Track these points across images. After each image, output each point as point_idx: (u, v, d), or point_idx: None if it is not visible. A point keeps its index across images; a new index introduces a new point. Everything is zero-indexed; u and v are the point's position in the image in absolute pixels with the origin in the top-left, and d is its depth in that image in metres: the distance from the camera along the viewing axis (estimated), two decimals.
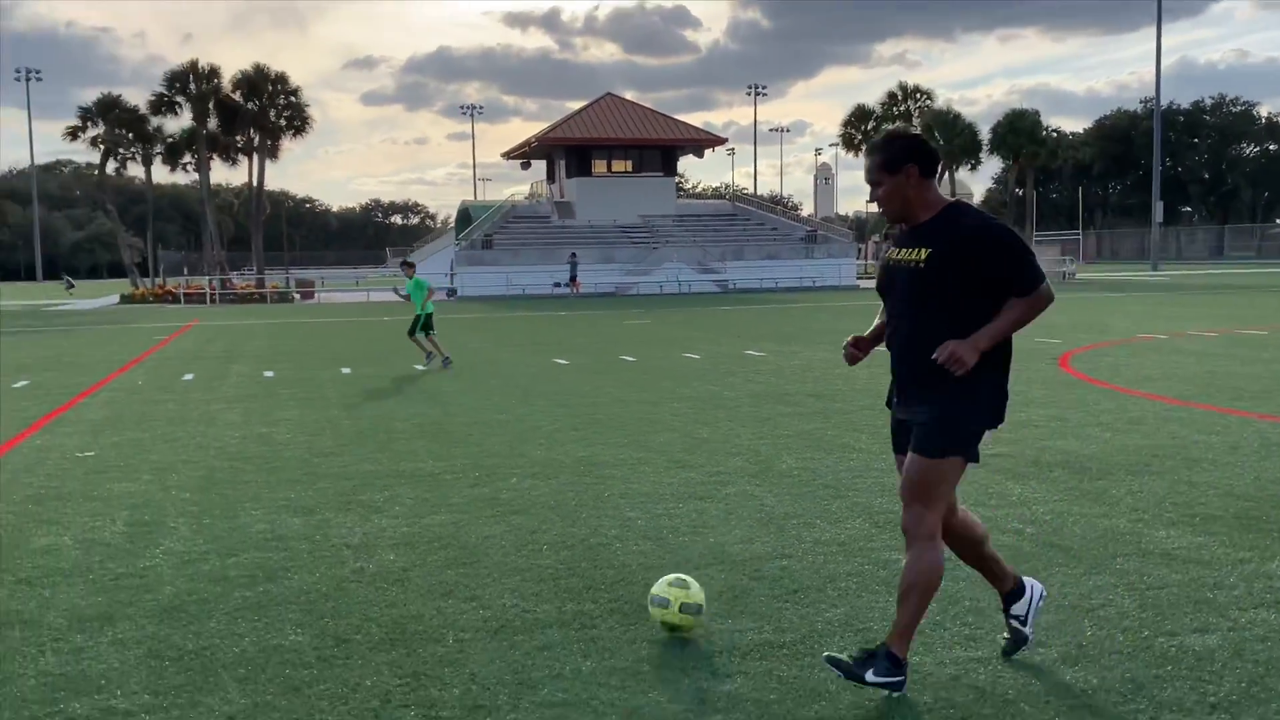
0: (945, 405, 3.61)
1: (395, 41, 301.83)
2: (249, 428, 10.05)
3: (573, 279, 43.96)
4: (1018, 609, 3.99)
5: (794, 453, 8.16)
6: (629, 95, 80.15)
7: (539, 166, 62.97)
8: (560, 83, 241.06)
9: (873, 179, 3.73)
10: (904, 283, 3.70)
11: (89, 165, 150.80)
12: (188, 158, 53.15)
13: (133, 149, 50.71)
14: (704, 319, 26.75)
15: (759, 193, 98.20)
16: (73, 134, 48.62)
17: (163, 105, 49.00)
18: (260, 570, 5.33)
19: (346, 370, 15.38)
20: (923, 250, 3.63)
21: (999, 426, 3.74)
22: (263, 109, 50.14)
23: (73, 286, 62.67)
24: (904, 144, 3.74)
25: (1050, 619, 4.34)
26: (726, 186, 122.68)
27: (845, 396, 11.20)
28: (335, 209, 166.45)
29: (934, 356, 3.53)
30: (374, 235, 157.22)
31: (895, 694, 3.64)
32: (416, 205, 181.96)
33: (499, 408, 11.12)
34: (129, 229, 56.94)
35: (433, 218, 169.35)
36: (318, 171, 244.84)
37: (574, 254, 45.30)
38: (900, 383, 3.80)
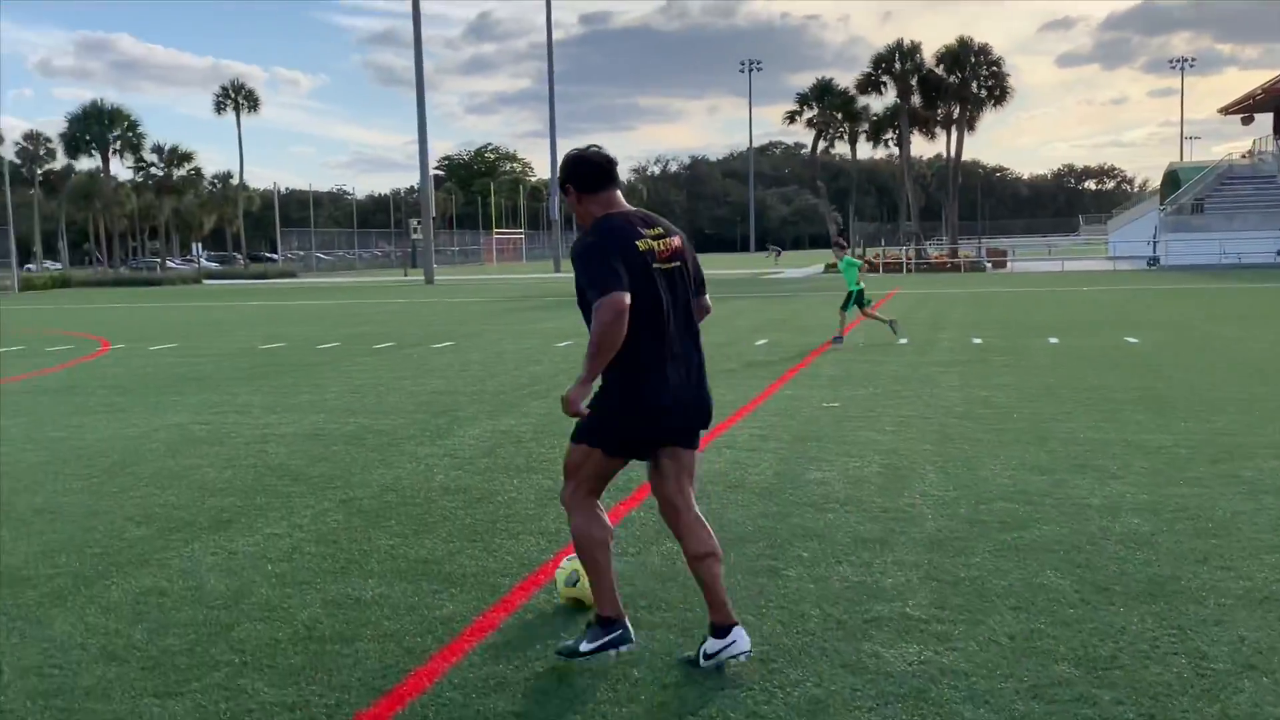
0: (597, 399, 3.87)
1: None
2: (969, 390, 10.64)
3: None
4: (710, 647, 3.94)
5: None
6: None
7: (1262, 121, 56.25)
8: None
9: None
10: None
11: (797, 145, 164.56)
12: (888, 134, 55.88)
13: (840, 128, 54.55)
14: None
15: None
16: (791, 117, 53.81)
17: (869, 85, 52.12)
18: (1010, 518, 5.80)
19: (1054, 340, 15.45)
20: None
21: (614, 441, 3.90)
22: (963, 81, 51.04)
23: (780, 255, 69.12)
24: (563, 164, 4.01)
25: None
26: None
27: None
28: (1025, 176, 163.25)
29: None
30: (1065, 202, 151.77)
31: (625, 648, 3.95)
32: (1113, 169, 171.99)
33: (1222, 385, 10.50)
34: (830, 204, 61.33)
35: (1129, 182, 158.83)
36: (1006, 139, 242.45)
37: None
38: None
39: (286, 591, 4.95)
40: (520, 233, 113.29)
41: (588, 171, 3.96)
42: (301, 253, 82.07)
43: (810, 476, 6.97)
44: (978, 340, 15.78)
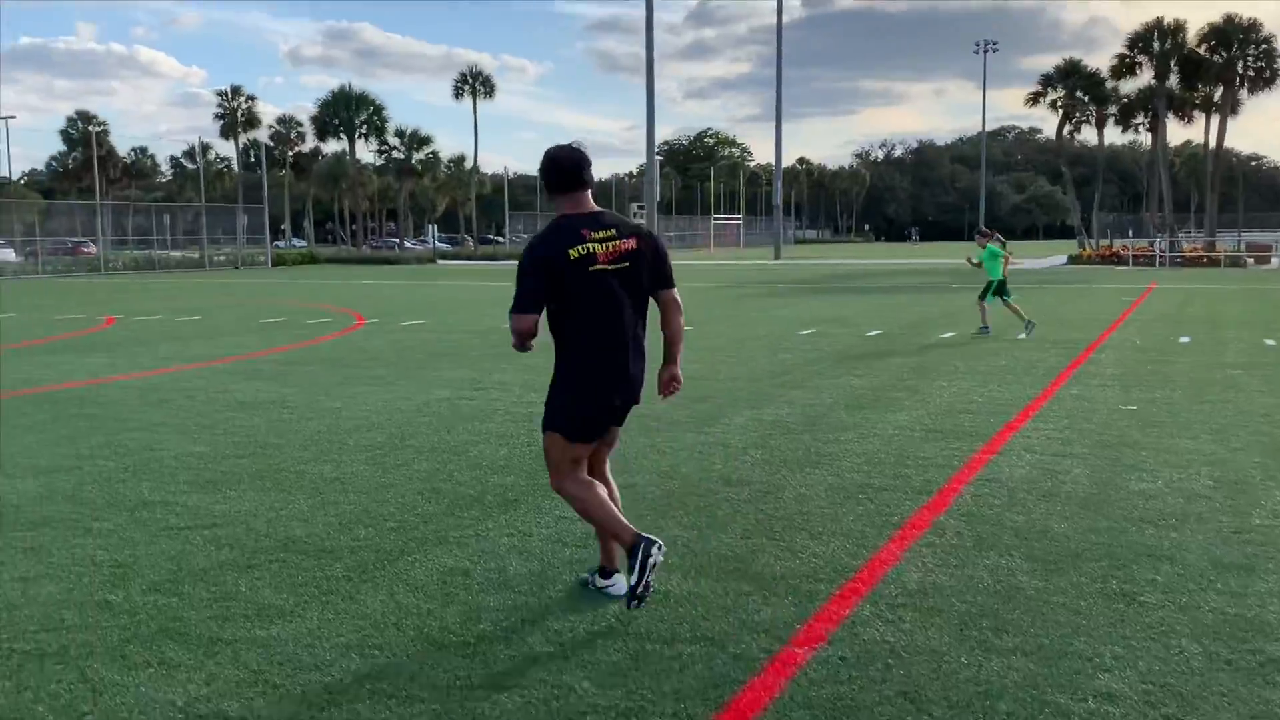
0: (553, 390, 4.34)
1: None
2: (1276, 395, 9.56)
3: None
4: (602, 581, 4.54)
5: None
6: None
7: None
8: None
9: None
10: None
11: (1031, 130, 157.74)
12: (1139, 118, 52.37)
13: (1087, 111, 51.49)
14: None
15: None
16: (1033, 99, 51.11)
17: (1123, 66, 48.90)
18: None
19: None
20: None
21: (580, 430, 4.26)
22: (1229, 61, 47.18)
23: (917, 242, 65.77)
24: (541, 160, 4.24)
25: None
26: None
27: None
28: None
29: None
30: None
31: (657, 555, 4.11)
32: None
33: None
34: (1066, 191, 58.07)
35: None
36: (1262, 125, 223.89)
37: None
38: None
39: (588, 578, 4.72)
40: (738, 218, 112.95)
41: (552, 173, 4.23)
42: (525, 235, 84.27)
43: (1134, 488, 6.27)
44: (1270, 341, 14.31)
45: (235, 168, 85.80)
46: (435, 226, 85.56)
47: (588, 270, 4.12)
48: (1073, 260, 46.41)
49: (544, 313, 4.20)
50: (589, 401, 4.28)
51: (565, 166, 4.22)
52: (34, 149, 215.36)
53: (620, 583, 4.47)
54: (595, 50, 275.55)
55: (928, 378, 10.97)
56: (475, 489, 6.40)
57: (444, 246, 77.71)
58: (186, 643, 4.07)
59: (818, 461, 7.06)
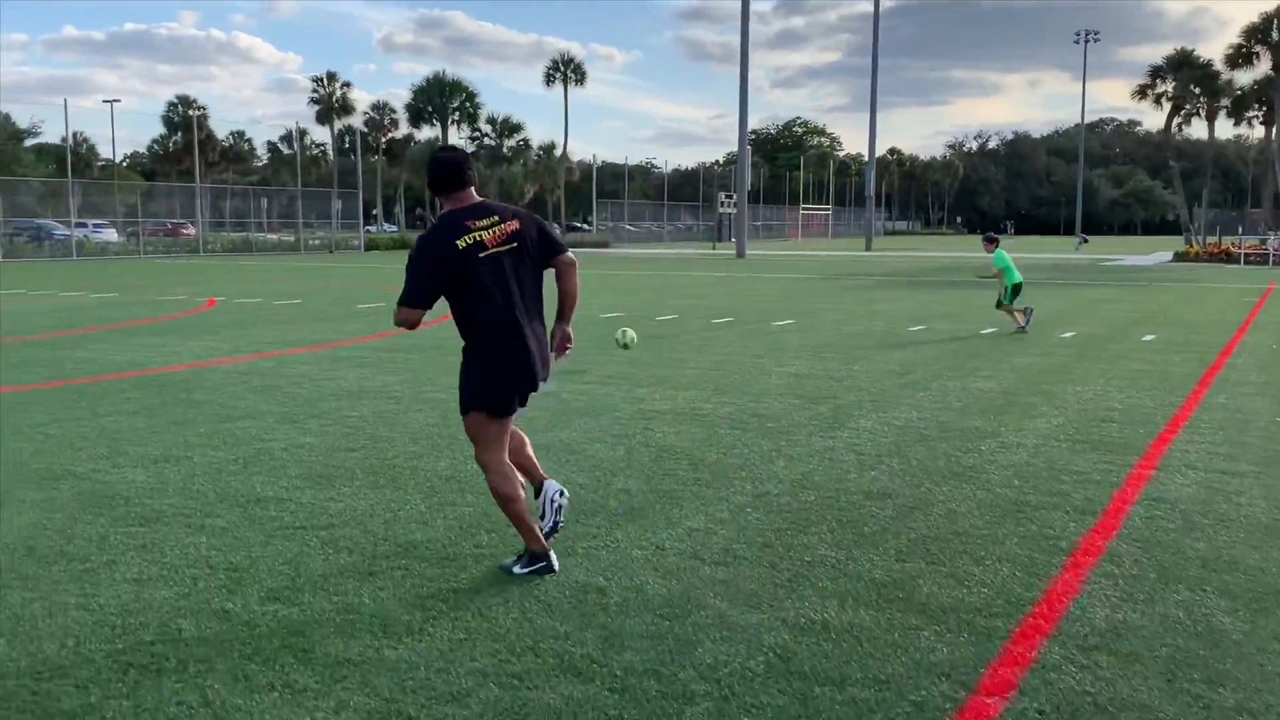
0: (464, 370, 4.66)
1: None
2: None
3: None
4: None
5: None
6: None
7: None
8: None
9: None
10: None
11: (1130, 123, 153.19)
12: (1253, 110, 50.27)
13: (1198, 104, 49.54)
14: None
15: None
16: (1141, 91, 49.44)
17: (1239, 57, 46.91)
18: None
19: None
20: None
21: (497, 403, 4.56)
22: None
23: (1085, 242, 64.04)
24: (427, 166, 4.70)
25: None
26: None
27: None
28: None
29: None
30: None
31: (549, 574, 4.58)
32: None
33: None
34: (1167, 186, 56.01)
35: None
36: None
37: None
38: None
39: (735, 603, 4.33)
40: (827, 208, 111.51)
41: (436, 174, 4.59)
42: (610, 224, 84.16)
43: None
44: None
45: (330, 153, 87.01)
46: None
47: (479, 256, 4.45)
48: (1179, 257, 44.66)
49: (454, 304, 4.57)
50: (502, 377, 4.56)
51: (448, 168, 4.58)
52: (137, 132, 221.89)
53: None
54: (683, 38, 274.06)
55: (1058, 381, 10.35)
56: (597, 493, 6.04)
57: None
58: (311, 662, 3.76)
59: (962, 473, 6.56)
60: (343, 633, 4.02)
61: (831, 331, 15.16)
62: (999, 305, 15.30)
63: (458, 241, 4.43)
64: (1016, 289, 15.08)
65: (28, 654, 3.83)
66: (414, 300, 4.46)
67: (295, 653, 3.84)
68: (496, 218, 4.55)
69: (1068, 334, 14.84)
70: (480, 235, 4.47)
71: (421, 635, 4.00)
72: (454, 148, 4.75)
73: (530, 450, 4.93)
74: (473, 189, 4.60)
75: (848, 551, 5.02)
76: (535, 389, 4.66)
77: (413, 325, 4.52)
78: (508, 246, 4.53)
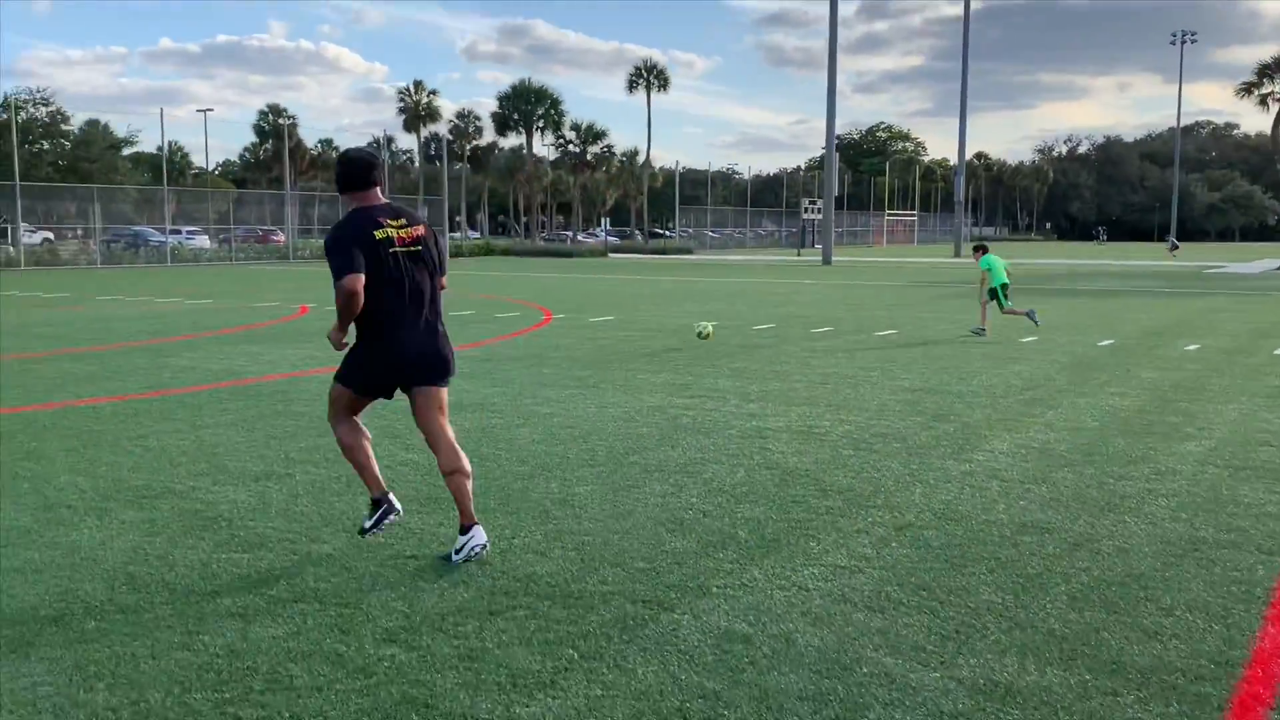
0: (351, 351, 4.90)
1: None
2: None
3: None
4: (457, 544, 4.96)
5: None
6: None
7: None
8: None
9: None
10: None
11: (1227, 126, 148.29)
12: None
13: None
14: None
15: None
16: (1247, 89, 47.48)
17: None
18: None
19: None
20: None
21: (365, 385, 4.89)
22: None
23: (1177, 249, 61.85)
24: (336, 165, 4.87)
25: None
26: None
27: None
28: None
29: None
30: None
31: (391, 518, 5.01)
32: None
33: None
34: (1267, 190, 53.82)
35: None
36: None
37: None
38: None
39: (900, 658, 3.85)
40: (913, 214, 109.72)
41: (345, 173, 4.78)
42: (691, 230, 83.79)
43: None
44: None
45: (416, 160, 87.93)
46: (607, 220, 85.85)
47: (389, 250, 4.66)
48: None
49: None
50: (379, 365, 4.81)
51: (359, 167, 4.76)
52: (229, 140, 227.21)
53: (479, 534, 4.90)
54: (764, 44, 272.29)
55: (1197, 399, 9.64)
56: (723, 521, 5.60)
57: (612, 240, 77.87)
58: None
59: (1120, 505, 5.99)
60: (467, 685, 3.64)
61: (942, 343, 14.52)
62: (1001, 309, 15.33)
63: (375, 232, 4.64)
64: (1004, 289, 15.28)
65: (129, 703, 3.51)
66: (348, 268, 4.55)
67: (417, 708, 3.46)
68: (404, 220, 4.78)
69: (1191, 346, 14.01)
70: (391, 232, 4.69)
71: (554, 689, 3.60)
72: (363, 149, 5.00)
73: (466, 485, 4.98)
74: (379, 190, 4.80)
75: (1015, 596, 4.51)
76: (409, 386, 4.90)
77: (357, 293, 4.56)
78: (413, 249, 4.76)
